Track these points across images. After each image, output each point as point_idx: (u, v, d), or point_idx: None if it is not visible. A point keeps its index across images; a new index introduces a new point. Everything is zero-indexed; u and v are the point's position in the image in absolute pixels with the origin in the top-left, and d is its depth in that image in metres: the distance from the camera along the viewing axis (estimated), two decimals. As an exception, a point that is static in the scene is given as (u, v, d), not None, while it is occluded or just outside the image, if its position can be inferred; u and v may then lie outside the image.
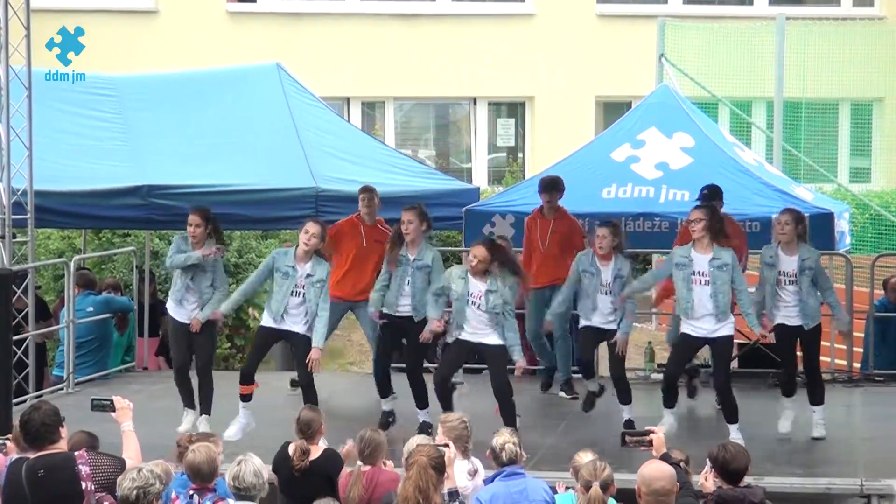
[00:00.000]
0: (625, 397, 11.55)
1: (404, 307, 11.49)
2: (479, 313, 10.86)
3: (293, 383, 12.80)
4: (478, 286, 10.85)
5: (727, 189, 13.04)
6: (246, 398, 11.19)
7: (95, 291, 14.47)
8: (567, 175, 13.75)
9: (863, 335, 14.72)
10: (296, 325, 11.06)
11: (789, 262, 11.23)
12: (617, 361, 11.46)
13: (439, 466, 7.58)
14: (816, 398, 11.53)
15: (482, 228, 13.64)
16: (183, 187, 13.40)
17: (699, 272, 10.81)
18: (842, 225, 13.87)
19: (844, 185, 21.40)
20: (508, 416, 10.88)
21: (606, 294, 11.37)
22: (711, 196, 12.21)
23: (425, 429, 11.07)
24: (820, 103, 21.94)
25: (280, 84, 15.02)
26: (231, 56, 21.29)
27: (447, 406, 10.88)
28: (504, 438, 8.29)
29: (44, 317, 14.41)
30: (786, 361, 11.69)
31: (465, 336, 10.99)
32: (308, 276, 10.99)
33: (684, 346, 11.19)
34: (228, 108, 14.78)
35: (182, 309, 11.55)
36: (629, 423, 11.33)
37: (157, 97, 14.94)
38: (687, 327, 10.99)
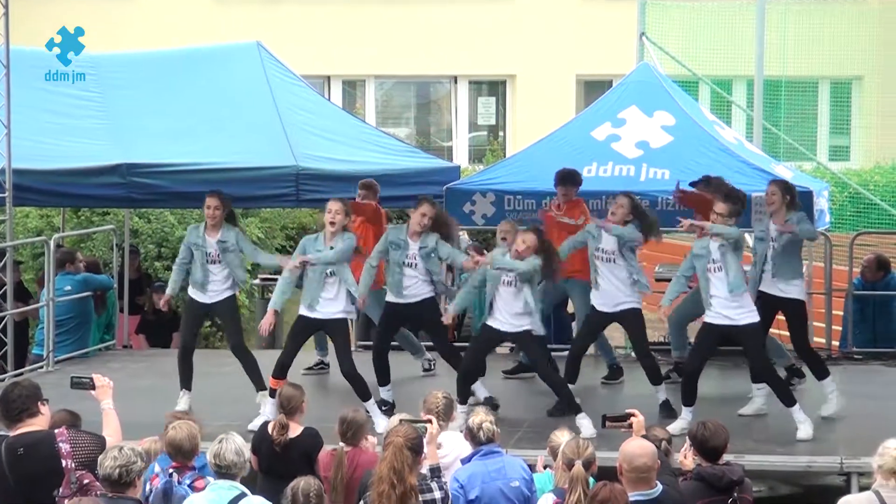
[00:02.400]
0: (655, 377, 11.52)
1: (408, 290, 11.39)
2: (509, 289, 10.78)
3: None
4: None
5: (707, 167, 13.07)
6: (276, 393, 10.80)
7: (73, 270, 14.42)
8: (547, 154, 13.75)
9: (842, 313, 14.77)
10: (332, 306, 10.94)
11: (773, 229, 11.37)
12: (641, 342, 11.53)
13: (415, 447, 7.58)
14: (821, 373, 11.58)
15: (462, 207, 13.66)
16: (163, 166, 13.37)
17: (713, 259, 10.77)
18: (821, 203, 13.89)
19: (824, 163, 21.47)
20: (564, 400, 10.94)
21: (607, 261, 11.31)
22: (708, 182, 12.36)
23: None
24: (800, 82, 21.99)
25: (261, 63, 14.97)
26: (213, 35, 21.22)
27: (464, 400, 10.88)
28: (480, 418, 8.30)
29: (21, 296, 14.38)
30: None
31: (493, 324, 10.96)
32: (332, 248, 10.93)
33: (706, 333, 10.97)
34: (209, 87, 14.73)
35: (202, 293, 11.51)
36: (666, 404, 11.37)
37: (137, 76, 14.88)
38: (710, 317, 10.89)
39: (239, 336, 11.61)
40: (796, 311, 11.57)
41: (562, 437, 8.15)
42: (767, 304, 11.43)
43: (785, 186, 11.57)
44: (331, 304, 10.96)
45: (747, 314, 10.77)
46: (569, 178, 12.75)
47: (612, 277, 11.32)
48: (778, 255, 11.36)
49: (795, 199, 11.60)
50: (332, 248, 10.88)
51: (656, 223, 11.54)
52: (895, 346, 14.36)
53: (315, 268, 10.89)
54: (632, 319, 11.48)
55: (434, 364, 13.06)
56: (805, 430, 10.76)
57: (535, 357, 11.29)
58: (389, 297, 11.58)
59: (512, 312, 10.86)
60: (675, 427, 10.39)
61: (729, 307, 10.72)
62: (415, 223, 11.37)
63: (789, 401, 10.89)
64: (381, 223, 12.70)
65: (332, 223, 10.90)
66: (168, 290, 11.86)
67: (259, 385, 11.40)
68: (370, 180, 13.06)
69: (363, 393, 10.96)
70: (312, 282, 10.94)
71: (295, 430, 8.95)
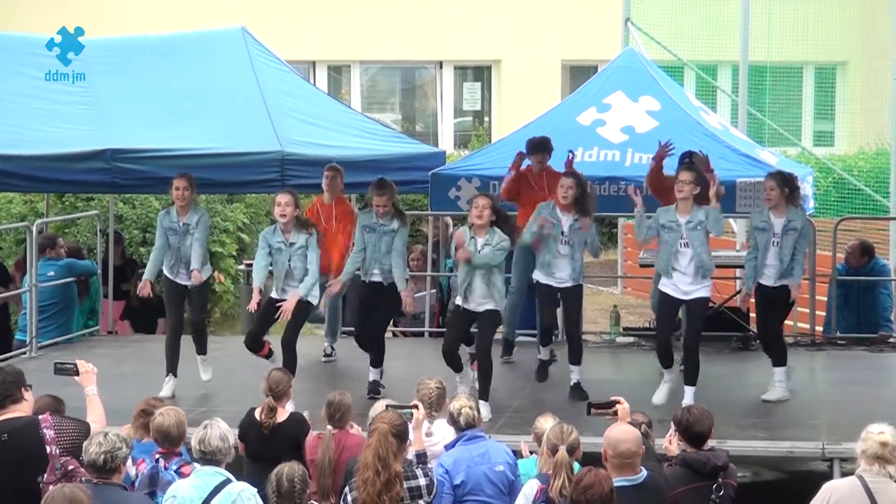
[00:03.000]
0: (576, 357, 11.54)
1: (376, 273, 11.59)
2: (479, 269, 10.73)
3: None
4: (480, 241, 10.79)
5: (692, 153, 13.08)
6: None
7: (55, 256, 14.38)
8: (533, 139, 13.76)
9: (825, 299, 14.80)
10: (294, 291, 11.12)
11: (777, 224, 11.36)
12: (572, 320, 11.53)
13: (400, 434, 7.60)
14: (777, 360, 11.60)
15: (448, 192, 13.66)
16: (147, 151, 13.32)
17: (682, 234, 10.91)
18: (805, 188, 13.90)
19: (808, 148, 21.50)
20: (485, 378, 10.91)
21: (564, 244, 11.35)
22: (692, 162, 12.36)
23: (376, 388, 11.36)
24: (784, 67, 22.03)
25: (245, 48, 14.93)
26: (197, 20, 21.15)
27: (458, 370, 10.95)
28: (461, 403, 8.32)
29: (3, 282, 14.34)
30: (759, 321, 11.81)
31: (465, 305, 10.92)
32: (291, 244, 11.14)
33: (665, 305, 11.21)
34: (193, 72, 14.67)
35: (177, 275, 11.71)
36: (577, 386, 11.39)
37: (121, 60, 14.80)
38: (666, 287, 11.06)
39: (201, 313, 12.07)
40: (789, 298, 11.58)
41: (546, 423, 8.16)
42: (765, 297, 11.47)
43: (782, 179, 11.47)
44: (295, 287, 11.14)
45: (702, 289, 11.01)
46: (543, 146, 12.70)
47: (567, 255, 11.36)
48: (784, 252, 11.33)
49: (795, 193, 11.54)
50: (291, 243, 11.08)
51: (586, 186, 11.62)
52: (878, 332, 14.41)
53: (281, 256, 11.10)
54: (573, 296, 11.49)
55: (335, 353, 13.21)
56: (689, 398, 10.80)
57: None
58: (363, 278, 11.71)
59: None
60: (658, 397, 10.65)
61: (690, 284, 10.93)
62: (380, 214, 11.57)
63: (692, 380, 11.03)
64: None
65: (283, 216, 11.10)
66: (146, 275, 11.95)
67: (201, 350, 11.92)
68: (336, 166, 13.07)
69: (290, 365, 10.92)
70: (281, 268, 11.16)
71: (282, 415, 8.99)
